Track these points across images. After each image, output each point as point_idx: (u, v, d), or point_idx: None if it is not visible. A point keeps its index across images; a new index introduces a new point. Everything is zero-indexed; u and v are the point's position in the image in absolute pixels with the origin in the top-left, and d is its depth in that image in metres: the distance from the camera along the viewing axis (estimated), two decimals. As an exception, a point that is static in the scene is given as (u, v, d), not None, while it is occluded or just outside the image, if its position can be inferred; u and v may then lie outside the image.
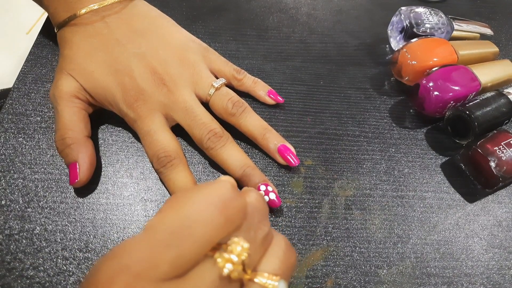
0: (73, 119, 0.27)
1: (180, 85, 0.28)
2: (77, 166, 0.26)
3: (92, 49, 0.28)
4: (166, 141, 0.27)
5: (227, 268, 0.15)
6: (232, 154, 0.27)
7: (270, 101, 0.32)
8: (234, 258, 0.15)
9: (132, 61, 0.28)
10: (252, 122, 0.29)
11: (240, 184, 0.27)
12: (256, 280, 0.16)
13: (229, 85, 0.32)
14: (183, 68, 0.29)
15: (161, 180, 0.28)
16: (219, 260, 0.15)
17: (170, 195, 0.27)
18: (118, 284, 0.13)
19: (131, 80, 0.28)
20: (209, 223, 0.15)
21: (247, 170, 0.27)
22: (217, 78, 0.31)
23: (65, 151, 0.26)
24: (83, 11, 0.28)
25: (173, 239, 0.15)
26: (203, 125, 0.27)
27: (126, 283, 0.13)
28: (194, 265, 0.15)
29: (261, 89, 0.32)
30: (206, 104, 0.30)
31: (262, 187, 0.26)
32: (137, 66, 0.28)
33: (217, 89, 0.29)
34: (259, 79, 0.33)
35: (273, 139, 0.29)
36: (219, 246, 0.16)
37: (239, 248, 0.15)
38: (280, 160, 0.29)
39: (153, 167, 0.28)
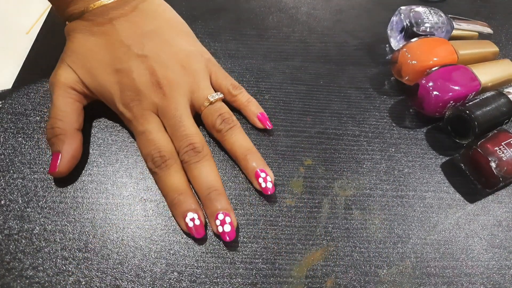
0: (65, 110, 0.27)
1: (176, 91, 0.28)
2: (59, 157, 0.26)
3: (95, 46, 0.28)
4: (161, 141, 0.27)
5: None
6: (204, 172, 0.26)
7: (258, 123, 0.31)
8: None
9: (133, 62, 0.28)
10: (237, 142, 0.28)
11: (202, 204, 0.26)
12: None
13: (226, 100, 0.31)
14: (183, 75, 0.29)
15: (155, 180, 0.28)
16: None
17: (164, 195, 0.27)
18: None
19: (129, 80, 0.28)
20: None
21: (212, 194, 0.26)
22: (216, 91, 0.31)
23: (52, 140, 0.27)
24: (93, 6, 0.28)
25: None
26: (185, 136, 0.27)
27: None
28: None
29: (253, 110, 0.31)
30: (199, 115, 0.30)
31: (220, 216, 0.25)
32: (137, 67, 0.28)
33: (211, 103, 0.29)
34: (254, 99, 0.32)
35: (252, 161, 0.27)
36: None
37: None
38: (256, 183, 0.27)
39: (147, 166, 0.28)
